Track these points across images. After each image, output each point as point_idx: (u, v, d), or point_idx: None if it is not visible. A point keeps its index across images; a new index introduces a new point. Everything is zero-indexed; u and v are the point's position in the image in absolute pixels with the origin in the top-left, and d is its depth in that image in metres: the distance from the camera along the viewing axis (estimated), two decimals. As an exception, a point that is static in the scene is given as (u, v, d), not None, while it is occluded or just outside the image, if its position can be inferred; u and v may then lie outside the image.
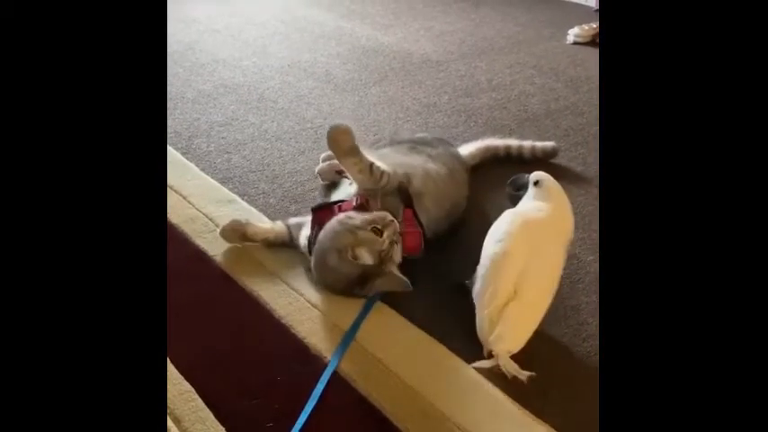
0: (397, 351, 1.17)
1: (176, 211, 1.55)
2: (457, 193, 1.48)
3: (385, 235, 1.23)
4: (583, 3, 3.22)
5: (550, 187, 1.29)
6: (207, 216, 1.54)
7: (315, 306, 1.27)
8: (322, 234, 1.27)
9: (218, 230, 1.43)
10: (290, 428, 1.01)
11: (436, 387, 1.10)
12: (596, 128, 1.97)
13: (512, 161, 1.74)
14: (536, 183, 1.29)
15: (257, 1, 3.22)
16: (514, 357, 1.10)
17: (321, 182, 1.67)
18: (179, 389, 1.09)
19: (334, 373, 1.11)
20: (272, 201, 1.61)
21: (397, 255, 1.26)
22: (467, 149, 1.71)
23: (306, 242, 1.34)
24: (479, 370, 1.11)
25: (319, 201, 1.55)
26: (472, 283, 1.20)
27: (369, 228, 1.23)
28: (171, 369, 1.11)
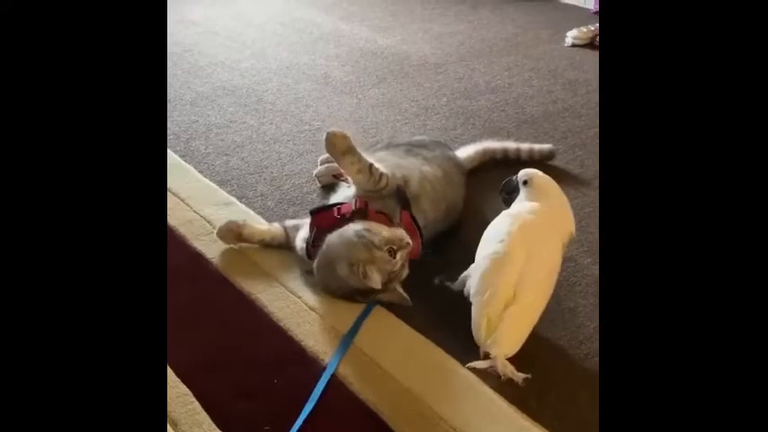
0: (393, 354, 1.17)
1: (174, 214, 1.55)
2: (453, 196, 1.48)
3: (398, 256, 1.22)
4: (581, 5, 3.22)
5: (541, 184, 1.27)
6: (205, 218, 1.54)
7: (312, 309, 1.27)
8: (336, 239, 1.25)
9: (215, 231, 1.43)
10: (288, 431, 1.01)
11: (433, 389, 1.10)
12: (594, 130, 1.97)
13: (509, 164, 1.75)
14: (525, 182, 1.28)
15: (256, 3, 3.22)
16: (511, 358, 1.11)
17: (319, 184, 1.67)
18: (176, 392, 1.09)
19: (332, 376, 1.11)
20: (269, 203, 1.61)
21: (404, 273, 1.25)
22: (465, 152, 1.71)
23: (303, 245, 1.34)
24: (475, 371, 1.11)
25: (318, 203, 1.55)
26: (459, 284, 1.20)
27: (386, 248, 1.21)
28: (168, 372, 1.11)
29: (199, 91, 2.24)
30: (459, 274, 1.25)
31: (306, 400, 1.06)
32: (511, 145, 1.77)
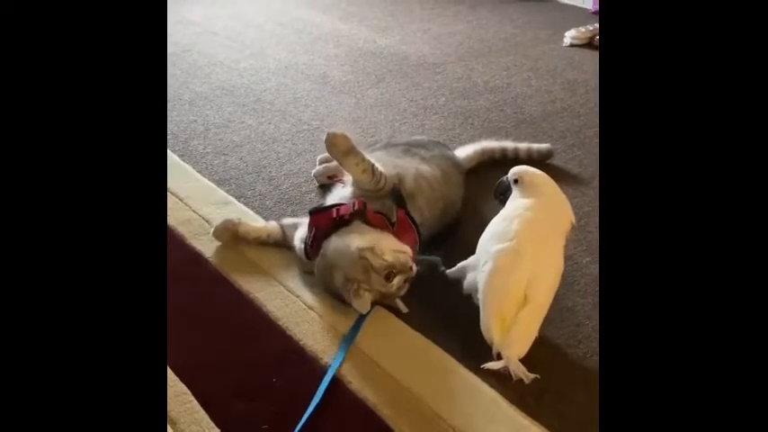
0: (393, 353, 1.17)
1: (173, 213, 1.55)
2: (451, 195, 1.48)
3: (396, 280, 1.21)
4: (579, 5, 3.23)
5: (532, 180, 1.25)
6: (203, 218, 1.54)
7: (311, 308, 1.27)
8: (339, 246, 1.24)
9: (211, 231, 1.43)
10: (286, 430, 1.01)
11: (432, 389, 1.10)
12: (593, 130, 1.97)
13: (508, 163, 1.74)
14: (515, 181, 1.26)
15: (255, 3, 3.22)
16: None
17: (317, 184, 1.67)
18: (175, 390, 1.09)
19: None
20: (268, 203, 1.61)
21: (402, 292, 1.24)
22: (464, 152, 1.71)
23: (302, 245, 1.34)
24: (484, 371, 1.11)
25: (316, 202, 1.55)
26: (458, 274, 1.19)
27: (384, 273, 1.19)
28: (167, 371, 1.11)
29: (197, 91, 2.24)
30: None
31: (305, 400, 1.06)
32: (509, 145, 1.77)
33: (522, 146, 1.77)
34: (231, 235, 1.42)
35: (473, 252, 1.23)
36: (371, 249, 1.21)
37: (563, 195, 1.26)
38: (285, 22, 2.95)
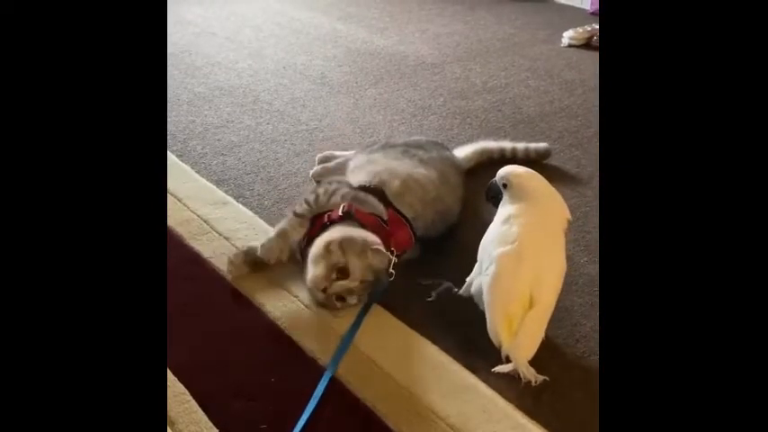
0: (391, 352, 1.17)
1: (171, 214, 1.55)
2: (449, 196, 1.49)
3: (328, 291, 1.22)
4: (578, 5, 3.23)
5: (520, 183, 1.21)
6: (202, 218, 1.54)
7: (309, 308, 1.27)
8: (309, 254, 1.26)
9: (226, 270, 1.35)
10: (284, 430, 1.01)
11: (431, 388, 1.10)
12: (591, 130, 1.98)
13: (506, 163, 1.74)
14: (504, 185, 1.22)
15: (253, 3, 3.22)
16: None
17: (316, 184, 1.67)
18: (173, 390, 1.09)
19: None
20: (266, 203, 1.61)
21: (353, 300, 1.24)
22: (462, 152, 1.72)
23: (296, 247, 1.35)
24: (498, 374, 1.11)
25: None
26: (469, 289, 1.20)
27: (333, 297, 1.23)
28: (165, 371, 1.12)
29: (196, 91, 2.25)
30: (457, 274, 1.25)
31: (303, 399, 1.06)
32: (507, 144, 1.77)
33: (520, 146, 1.77)
34: (248, 264, 1.35)
35: (473, 253, 1.22)
36: (315, 279, 1.23)
37: (554, 192, 1.24)
38: (283, 23, 2.95)
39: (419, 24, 2.95)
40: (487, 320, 1.13)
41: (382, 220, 1.31)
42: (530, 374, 1.08)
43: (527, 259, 1.13)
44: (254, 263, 1.35)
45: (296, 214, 1.34)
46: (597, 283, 1.33)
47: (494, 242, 1.18)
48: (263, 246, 1.32)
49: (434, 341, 1.19)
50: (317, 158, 1.73)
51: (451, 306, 1.24)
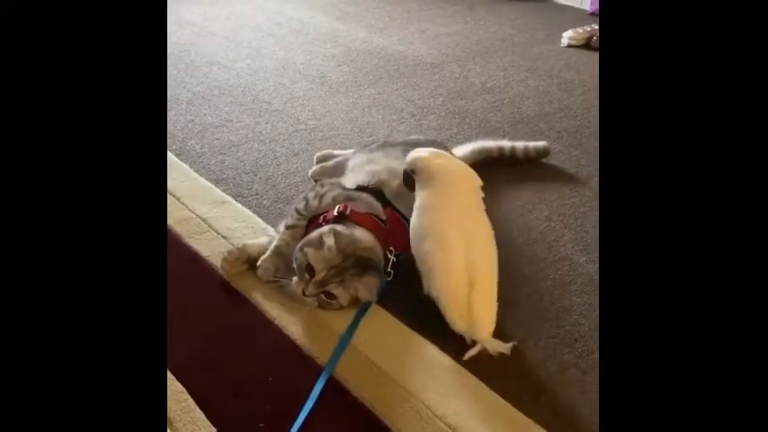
0: (389, 352, 1.17)
1: (170, 213, 1.54)
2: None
3: (306, 293, 1.22)
4: (577, 6, 3.24)
5: (425, 166, 1.24)
6: (200, 217, 1.54)
7: (308, 307, 1.27)
8: (306, 243, 1.26)
9: (220, 267, 1.35)
10: (282, 429, 1.01)
11: (429, 387, 1.10)
12: (589, 130, 1.98)
13: (504, 162, 1.75)
14: (413, 171, 1.26)
15: (252, 3, 3.22)
16: (505, 355, 1.13)
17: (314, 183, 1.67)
18: (171, 389, 1.09)
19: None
20: (265, 202, 1.61)
21: (338, 290, 1.23)
22: (461, 151, 1.72)
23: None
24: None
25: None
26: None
27: (319, 297, 1.23)
28: (163, 370, 1.12)
29: (195, 91, 2.24)
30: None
31: (301, 398, 1.06)
32: (506, 143, 1.77)
33: (519, 144, 1.77)
34: (243, 262, 1.35)
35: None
36: (301, 246, 1.23)
37: (461, 164, 1.26)
38: (282, 22, 2.95)
39: (418, 24, 2.95)
40: (444, 315, 1.17)
41: (380, 219, 1.31)
42: (498, 348, 1.12)
43: (452, 246, 1.17)
44: (249, 260, 1.35)
45: (287, 227, 1.34)
46: (596, 282, 1.33)
47: (415, 240, 1.22)
48: (259, 266, 1.32)
49: (432, 340, 1.19)
50: (315, 158, 1.73)
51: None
